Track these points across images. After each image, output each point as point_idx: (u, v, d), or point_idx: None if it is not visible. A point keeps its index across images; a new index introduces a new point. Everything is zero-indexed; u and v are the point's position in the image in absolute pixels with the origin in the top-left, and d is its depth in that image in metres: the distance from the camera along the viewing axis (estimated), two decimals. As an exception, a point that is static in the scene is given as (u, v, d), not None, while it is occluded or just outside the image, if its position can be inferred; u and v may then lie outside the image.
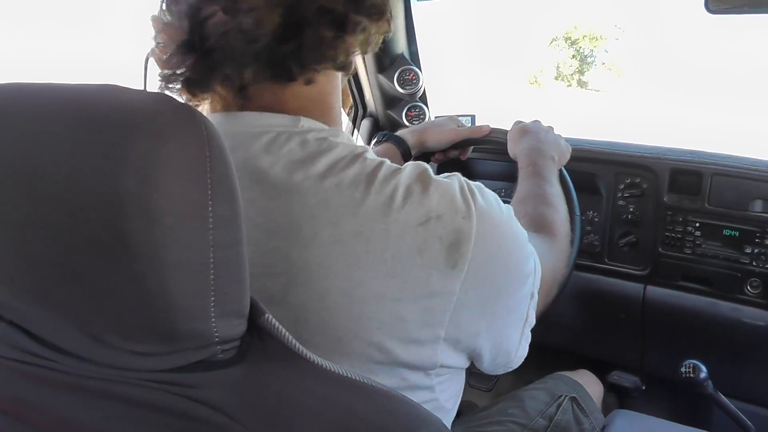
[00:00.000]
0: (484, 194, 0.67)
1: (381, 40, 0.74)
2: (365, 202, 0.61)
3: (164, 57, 0.66)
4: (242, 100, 0.69)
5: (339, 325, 0.61)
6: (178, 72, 0.67)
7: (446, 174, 0.68)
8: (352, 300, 0.60)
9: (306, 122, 0.68)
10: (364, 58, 1.74)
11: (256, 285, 0.57)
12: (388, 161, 0.66)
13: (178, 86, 0.69)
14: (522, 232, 0.72)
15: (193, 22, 0.64)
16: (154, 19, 0.66)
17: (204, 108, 0.72)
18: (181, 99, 0.70)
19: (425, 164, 0.67)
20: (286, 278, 0.61)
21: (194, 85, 0.68)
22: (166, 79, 0.68)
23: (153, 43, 0.68)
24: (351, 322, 0.61)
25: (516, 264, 0.71)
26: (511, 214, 0.71)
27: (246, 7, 0.62)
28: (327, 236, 0.60)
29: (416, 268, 0.61)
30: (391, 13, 0.70)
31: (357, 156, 0.65)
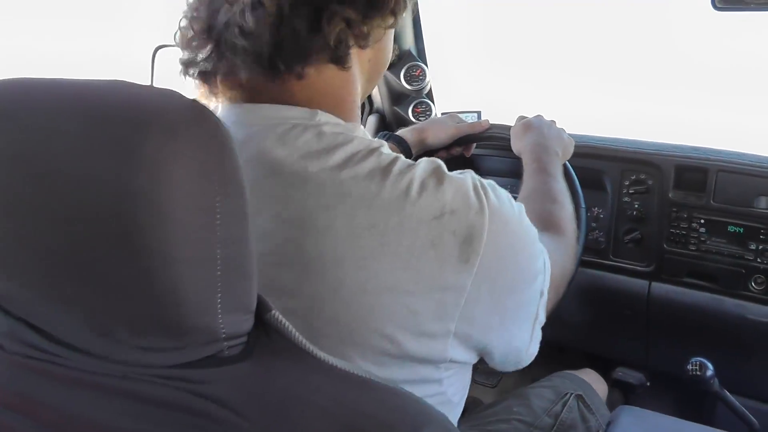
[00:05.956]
0: (497, 192, 0.68)
1: (386, 35, 0.73)
2: (380, 194, 0.62)
3: (187, 38, 0.69)
4: (249, 93, 0.69)
5: (351, 316, 0.61)
6: (199, 58, 0.68)
7: (459, 171, 0.68)
8: (365, 291, 0.61)
9: (322, 116, 0.68)
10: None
11: (270, 275, 0.57)
12: (402, 156, 0.66)
13: (195, 74, 0.70)
14: (533, 231, 0.72)
15: (209, 9, 0.66)
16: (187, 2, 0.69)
17: (218, 103, 0.73)
18: (197, 92, 0.72)
19: (439, 160, 0.67)
20: (300, 269, 0.61)
21: (206, 75, 0.70)
22: (185, 64, 0.70)
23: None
24: (363, 314, 0.61)
25: (526, 261, 0.71)
26: (523, 212, 0.71)
27: (241, 1, 0.63)
28: (341, 228, 0.61)
29: (430, 261, 0.61)
30: (397, 4, 0.68)
31: (373, 150, 0.65)
